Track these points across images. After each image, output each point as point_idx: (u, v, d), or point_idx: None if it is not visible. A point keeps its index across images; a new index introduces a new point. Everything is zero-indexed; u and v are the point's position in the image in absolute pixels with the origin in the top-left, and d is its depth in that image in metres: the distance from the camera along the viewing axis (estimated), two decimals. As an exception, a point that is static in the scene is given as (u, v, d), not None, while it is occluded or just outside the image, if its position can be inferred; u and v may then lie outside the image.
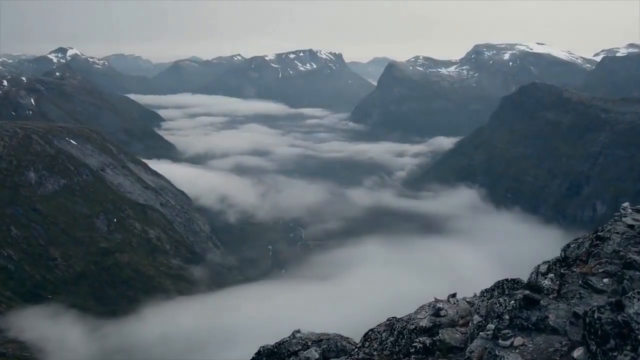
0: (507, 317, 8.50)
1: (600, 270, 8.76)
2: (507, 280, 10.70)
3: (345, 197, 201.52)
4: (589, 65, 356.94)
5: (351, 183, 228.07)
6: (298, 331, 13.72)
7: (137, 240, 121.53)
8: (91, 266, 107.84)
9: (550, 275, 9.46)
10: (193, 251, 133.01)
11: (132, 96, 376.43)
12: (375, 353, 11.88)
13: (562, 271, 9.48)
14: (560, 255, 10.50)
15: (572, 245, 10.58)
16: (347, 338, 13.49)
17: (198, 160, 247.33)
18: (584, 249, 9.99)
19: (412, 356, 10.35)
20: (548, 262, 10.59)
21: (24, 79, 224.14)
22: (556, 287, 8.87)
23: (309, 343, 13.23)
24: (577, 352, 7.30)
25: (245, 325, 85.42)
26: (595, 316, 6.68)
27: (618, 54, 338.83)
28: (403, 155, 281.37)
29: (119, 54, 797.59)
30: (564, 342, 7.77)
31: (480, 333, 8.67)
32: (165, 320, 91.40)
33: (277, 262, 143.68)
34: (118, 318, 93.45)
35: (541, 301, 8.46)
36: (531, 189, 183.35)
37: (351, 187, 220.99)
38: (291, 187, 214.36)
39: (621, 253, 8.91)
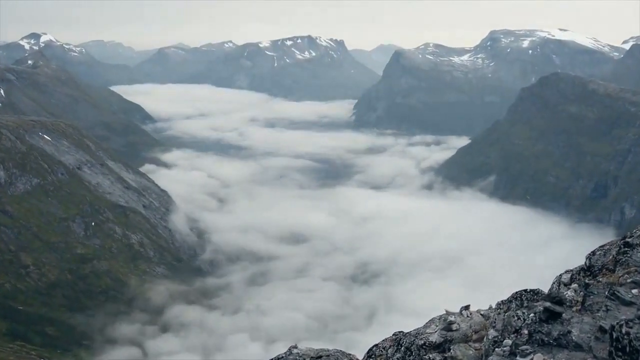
0: (525, 331, 8.49)
1: (628, 280, 8.75)
2: (525, 290, 10.69)
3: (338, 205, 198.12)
4: (616, 54, 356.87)
5: (349, 184, 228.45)
6: (295, 347, 13.72)
7: (118, 245, 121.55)
8: (66, 274, 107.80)
9: (574, 285, 9.45)
10: (179, 258, 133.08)
11: (113, 87, 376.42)
12: (380, 371, 11.89)
13: (586, 281, 9.48)
14: (585, 263, 10.50)
15: (597, 253, 10.58)
16: (349, 354, 13.48)
17: (186, 158, 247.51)
18: (610, 257, 9.99)
19: (421, 375, 10.34)
20: (571, 271, 10.59)
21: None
22: (580, 299, 8.87)
23: (307, 360, 13.23)
24: (603, 371, 7.29)
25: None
26: (623, 331, 6.67)
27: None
28: (410, 152, 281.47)
29: (97, 41, 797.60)
30: (588, 360, 7.77)
31: (496, 349, 8.66)
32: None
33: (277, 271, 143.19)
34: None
35: (563, 314, 8.45)
36: (553, 190, 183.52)
37: (346, 188, 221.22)
38: (292, 192, 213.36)
39: (652, 261, 8.91)
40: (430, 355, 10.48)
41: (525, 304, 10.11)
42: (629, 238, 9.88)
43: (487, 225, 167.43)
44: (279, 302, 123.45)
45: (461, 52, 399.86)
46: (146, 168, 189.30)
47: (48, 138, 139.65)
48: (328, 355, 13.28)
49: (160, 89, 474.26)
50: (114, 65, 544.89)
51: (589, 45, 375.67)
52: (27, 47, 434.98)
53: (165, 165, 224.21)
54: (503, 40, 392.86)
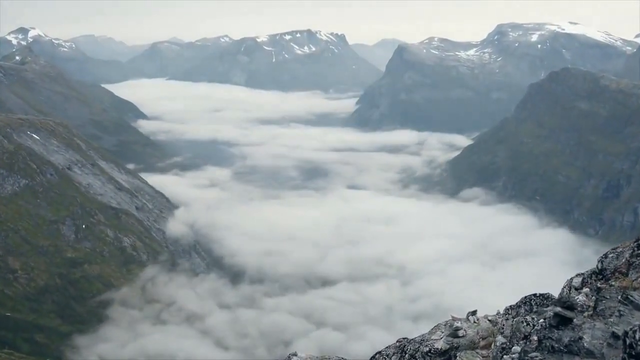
0: (535, 338, 8.49)
1: (642, 284, 8.75)
2: (535, 295, 10.70)
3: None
4: (629, 48, 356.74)
5: (350, 183, 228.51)
6: (295, 354, 13.74)
7: (109, 249, 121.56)
8: (56, 279, 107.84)
9: (585, 289, 9.46)
10: (173, 262, 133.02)
11: (104, 84, 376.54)
12: (383, 379, 11.88)
13: (598, 285, 9.48)
14: (597, 266, 10.50)
15: (610, 256, 10.58)
16: (351, 362, 13.50)
17: (180, 157, 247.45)
18: (623, 260, 9.99)
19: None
20: (582, 274, 10.59)
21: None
22: (592, 304, 8.87)
23: (307, 368, 13.23)
24: (616, 379, 7.29)
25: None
26: (637, 337, 6.67)
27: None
28: (413, 151, 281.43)
29: (88, 35, 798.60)
30: (600, 367, 7.76)
31: (505, 356, 8.67)
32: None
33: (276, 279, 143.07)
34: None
35: (574, 320, 8.45)
36: (563, 191, 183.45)
37: (346, 187, 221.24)
38: (290, 197, 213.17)
39: (666, 264, 8.91)
40: (436, 363, 10.48)
41: (534, 309, 10.12)
42: (642, 240, 9.87)
43: (490, 226, 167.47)
44: (277, 303, 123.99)
45: (467, 46, 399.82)
46: (139, 168, 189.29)
47: (37, 137, 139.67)
48: (329, 363, 13.29)
49: (154, 85, 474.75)
50: (105, 61, 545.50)
51: (601, 39, 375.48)
52: (14, 42, 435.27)
53: (159, 165, 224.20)
54: (511, 34, 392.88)
